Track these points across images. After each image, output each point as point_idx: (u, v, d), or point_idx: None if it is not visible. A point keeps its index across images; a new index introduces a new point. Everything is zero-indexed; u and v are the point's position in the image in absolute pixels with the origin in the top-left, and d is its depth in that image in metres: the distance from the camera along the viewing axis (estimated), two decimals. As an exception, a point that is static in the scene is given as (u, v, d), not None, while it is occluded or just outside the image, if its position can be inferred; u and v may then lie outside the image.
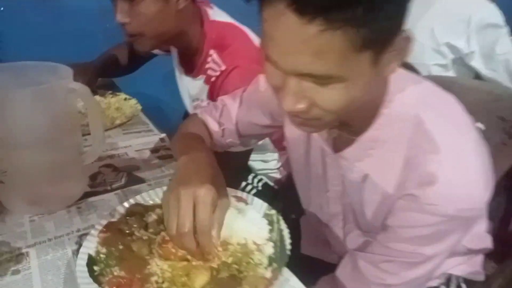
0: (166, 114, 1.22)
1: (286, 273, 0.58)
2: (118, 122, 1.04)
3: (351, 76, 0.47)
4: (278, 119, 0.81)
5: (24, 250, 0.62)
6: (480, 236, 0.81)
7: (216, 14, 1.02)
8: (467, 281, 0.82)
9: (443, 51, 1.53)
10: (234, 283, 0.54)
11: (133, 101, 1.15)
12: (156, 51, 1.24)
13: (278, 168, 1.28)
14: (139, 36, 0.93)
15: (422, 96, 0.59)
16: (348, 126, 0.63)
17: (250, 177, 1.26)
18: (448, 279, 0.82)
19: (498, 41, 1.47)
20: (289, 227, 0.64)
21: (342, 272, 0.71)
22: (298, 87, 0.49)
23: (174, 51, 1.12)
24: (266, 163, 1.27)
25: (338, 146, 0.67)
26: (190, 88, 1.08)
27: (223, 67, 0.95)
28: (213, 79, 0.97)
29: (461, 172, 0.55)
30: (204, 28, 0.99)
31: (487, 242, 0.82)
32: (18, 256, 0.61)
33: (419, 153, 0.57)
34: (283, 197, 1.32)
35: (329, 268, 0.84)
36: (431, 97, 0.61)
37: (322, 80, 0.48)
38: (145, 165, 0.87)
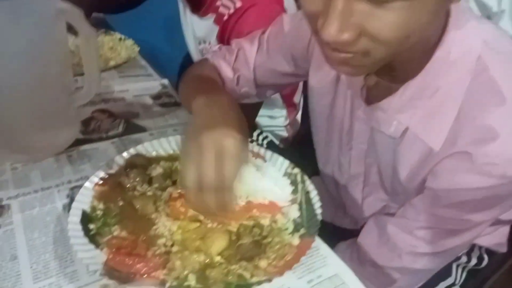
0: (164, 63, 1.10)
1: (316, 240, 0.50)
2: (113, 63, 0.91)
3: None
4: (303, 66, 0.70)
5: (5, 202, 0.52)
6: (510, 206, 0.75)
7: None
8: (488, 251, 0.78)
9: (472, 7, 1.41)
10: (258, 251, 0.46)
11: (130, 42, 1.02)
12: None
13: (285, 126, 1.20)
14: None
15: (487, 37, 0.49)
16: (392, 71, 0.53)
17: (254, 134, 1.18)
18: (471, 249, 0.77)
19: None
20: None
21: (366, 238, 0.64)
22: (347, 8, 0.38)
23: None
24: (273, 120, 1.18)
25: (373, 97, 0.57)
26: (196, 29, 0.95)
27: (239, 4, 0.83)
28: (225, 17, 0.85)
29: None
30: None
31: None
32: (-2, 209, 0.51)
33: (478, 104, 0.48)
34: (289, 158, 1.25)
35: (344, 233, 0.77)
36: (498, 39, 0.51)
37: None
38: (145, 112, 0.76)
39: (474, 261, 0.78)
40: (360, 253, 0.64)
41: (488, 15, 1.42)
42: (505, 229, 0.77)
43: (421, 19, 0.39)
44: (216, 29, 0.89)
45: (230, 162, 0.46)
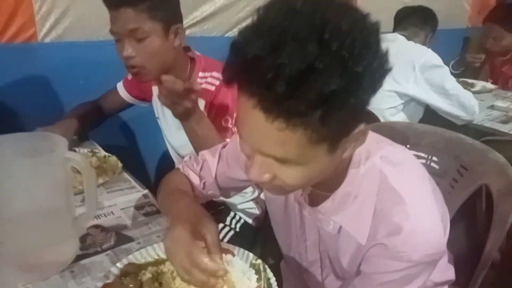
0: (147, 164, 1.27)
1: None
2: (101, 181, 1.07)
3: (308, 161, 0.55)
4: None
5: (21, 319, 0.64)
6: (444, 269, 0.89)
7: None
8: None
9: (393, 96, 1.72)
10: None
11: (114, 159, 1.18)
12: (131, 101, 1.37)
13: (254, 200, 1.34)
14: (141, 69, 1.07)
15: (384, 155, 0.68)
16: (320, 186, 0.70)
17: (228, 219, 1.31)
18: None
19: (444, 79, 1.68)
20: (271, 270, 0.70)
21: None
22: (263, 162, 0.57)
23: (156, 91, 1.24)
24: (243, 196, 1.31)
25: (314, 200, 0.74)
26: None
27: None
28: (211, 92, 1.11)
29: (423, 221, 0.63)
30: (194, 59, 1.17)
31: (451, 274, 0.91)
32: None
33: (386, 205, 0.65)
34: (263, 239, 1.37)
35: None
36: (392, 155, 0.69)
37: (283, 161, 0.55)
38: (132, 223, 0.91)
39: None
40: None
41: (411, 98, 1.73)
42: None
43: (313, 175, 0.58)
44: (201, 103, 1.09)
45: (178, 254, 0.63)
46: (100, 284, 0.67)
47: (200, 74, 1.16)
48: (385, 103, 1.72)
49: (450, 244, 0.91)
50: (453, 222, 0.90)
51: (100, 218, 0.91)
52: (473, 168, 0.99)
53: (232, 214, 1.33)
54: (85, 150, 1.23)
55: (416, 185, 0.68)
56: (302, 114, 0.48)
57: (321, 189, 0.72)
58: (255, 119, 0.51)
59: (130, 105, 1.41)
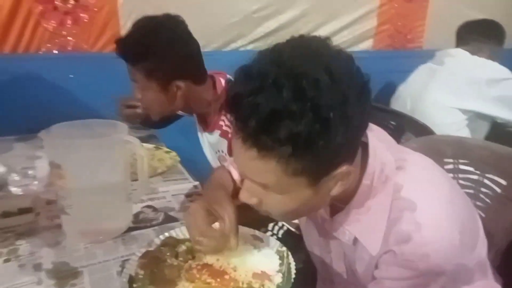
0: (200, 164, 1.39)
1: (290, 298, 0.68)
2: (159, 171, 1.21)
3: (288, 191, 0.59)
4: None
5: (79, 269, 0.76)
6: (484, 288, 0.86)
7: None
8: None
9: (454, 112, 1.65)
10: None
11: (173, 154, 1.33)
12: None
13: None
14: (148, 110, 1.17)
15: (400, 165, 0.68)
16: (336, 198, 0.69)
17: (271, 225, 1.36)
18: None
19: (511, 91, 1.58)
20: (309, 275, 0.74)
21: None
22: (250, 186, 0.63)
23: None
24: None
25: (333, 212, 0.75)
26: (211, 140, 1.26)
27: None
28: (230, 135, 1.14)
29: (433, 231, 0.62)
30: (219, 93, 1.18)
31: (493, 292, 0.86)
32: (75, 273, 0.75)
33: (398, 213, 0.65)
34: (300, 243, 1.39)
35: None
36: (408, 164, 0.69)
37: (265, 187, 0.60)
38: (179, 207, 1.02)
39: None
40: None
41: (474, 114, 1.65)
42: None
43: (294, 206, 0.62)
44: (224, 142, 1.17)
45: (197, 220, 0.71)
46: (143, 250, 0.77)
47: (223, 112, 1.17)
48: (445, 119, 1.66)
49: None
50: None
51: (153, 200, 1.04)
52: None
53: (275, 221, 1.38)
54: (151, 145, 1.39)
55: (430, 195, 0.67)
56: (270, 149, 0.54)
57: (337, 201, 0.72)
58: (237, 147, 0.58)
59: None
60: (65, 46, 1.70)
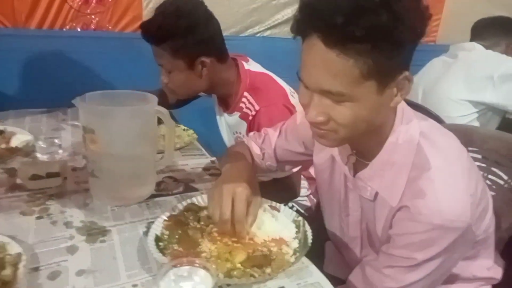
0: (217, 143, 1.44)
1: (306, 261, 0.72)
2: (178, 146, 1.26)
3: (360, 97, 0.64)
4: (310, 148, 0.98)
5: (108, 228, 0.82)
6: (488, 267, 0.90)
7: (251, 65, 1.26)
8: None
9: (466, 105, 1.67)
10: (265, 262, 0.70)
11: (191, 131, 1.38)
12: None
13: (308, 196, 1.43)
14: (173, 92, 1.23)
15: (424, 129, 0.74)
16: (363, 152, 0.79)
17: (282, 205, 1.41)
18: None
19: None
20: (316, 249, 0.78)
21: (354, 277, 0.83)
22: (319, 102, 0.67)
23: (213, 95, 1.37)
24: None
25: (355, 171, 0.82)
26: (229, 122, 1.30)
27: (257, 107, 1.17)
28: (250, 117, 1.19)
29: (446, 191, 0.68)
30: (240, 76, 1.23)
31: (496, 273, 0.91)
32: (104, 231, 0.80)
33: (416, 172, 0.70)
34: (312, 224, 1.45)
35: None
36: (431, 131, 0.75)
37: (338, 97, 0.64)
38: (198, 179, 1.06)
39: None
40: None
41: (486, 107, 1.67)
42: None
43: (363, 113, 0.66)
44: (242, 122, 1.22)
45: (240, 203, 0.73)
46: (168, 213, 0.82)
47: (245, 94, 1.22)
48: (456, 111, 1.69)
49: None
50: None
51: (173, 172, 1.09)
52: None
53: (285, 203, 1.43)
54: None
55: (449, 160, 0.72)
56: (355, 41, 0.59)
57: (362, 157, 0.80)
58: (316, 53, 0.63)
59: None
60: (89, 25, 1.74)
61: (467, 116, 1.71)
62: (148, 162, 0.92)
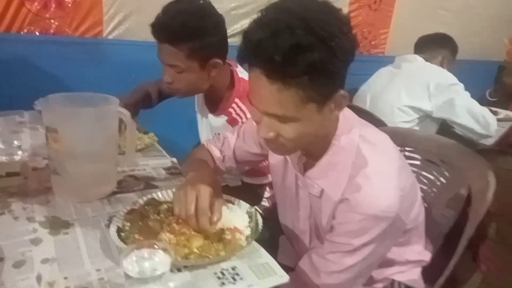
0: (177, 144, 1.50)
1: (257, 246, 0.81)
2: (139, 147, 1.30)
3: (302, 117, 0.74)
4: (266, 148, 1.06)
5: (71, 222, 0.86)
6: (418, 252, 1.03)
7: (244, 74, 1.30)
8: (408, 287, 1.02)
9: (408, 111, 1.85)
10: (220, 246, 0.77)
11: (151, 134, 1.42)
12: None
13: (267, 198, 1.51)
14: (177, 91, 1.24)
15: (363, 133, 0.86)
16: (311, 154, 0.89)
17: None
18: (392, 284, 1.02)
19: (460, 95, 1.80)
20: (271, 243, 0.87)
21: (303, 264, 0.92)
22: (268, 122, 0.76)
23: (199, 95, 1.40)
24: None
25: (306, 171, 0.91)
26: (213, 123, 1.35)
27: (248, 115, 1.22)
28: (239, 123, 1.22)
29: (379, 186, 0.79)
30: (234, 82, 1.27)
31: (425, 256, 1.04)
32: (67, 225, 0.85)
33: (355, 170, 0.81)
34: (268, 222, 1.54)
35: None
36: (370, 134, 0.87)
37: (283, 119, 0.74)
38: (159, 178, 1.12)
39: (396, 293, 1.03)
40: (302, 274, 0.92)
41: (425, 113, 1.85)
42: (417, 270, 1.04)
43: (306, 130, 0.76)
44: (230, 128, 1.23)
45: (203, 199, 0.81)
46: (128, 207, 0.88)
47: (236, 100, 1.25)
48: (399, 117, 1.86)
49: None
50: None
51: (134, 171, 1.14)
52: (461, 170, 1.12)
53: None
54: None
55: (382, 159, 0.84)
56: (294, 77, 0.68)
57: (310, 158, 0.90)
58: (261, 85, 0.72)
59: None
60: (48, 29, 1.75)
61: (409, 122, 1.88)
62: (109, 161, 0.97)
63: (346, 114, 0.86)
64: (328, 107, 0.76)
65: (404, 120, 1.87)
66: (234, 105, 1.25)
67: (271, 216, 1.48)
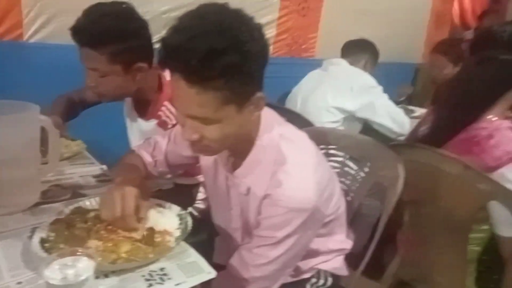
0: (109, 151, 1.46)
1: (186, 246, 0.84)
2: (66, 156, 1.27)
3: (223, 119, 0.78)
4: (197, 151, 1.10)
5: (-9, 236, 0.82)
6: (341, 241, 1.11)
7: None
8: (331, 274, 1.10)
9: (334, 112, 1.98)
10: (149, 249, 0.79)
11: (79, 141, 1.38)
12: None
13: (202, 200, 1.54)
14: (102, 96, 1.21)
15: (283, 133, 0.91)
16: (237, 154, 0.93)
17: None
18: (318, 273, 1.09)
19: (377, 97, 1.97)
20: (207, 244, 0.90)
21: (233, 260, 0.96)
22: (192, 124, 0.80)
23: (128, 100, 1.37)
24: None
25: (235, 169, 0.95)
26: (144, 128, 1.33)
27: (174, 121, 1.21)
28: (169, 126, 1.22)
29: (298, 180, 0.85)
30: (162, 85, 1.27)
31: (347, 245, 1.12)
32: (-15, 238, 0.81)
33: (277, 167, 0.87)
34: (204, 224, 1.57)
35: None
36: (289, 133, 0.93)
37: (205, 120, 0.78)
38: (87, 186, 1.10)
39: (321, 281, 1.10)
40: (233, 270, 0.95)
41: (349, 114, 2.00)
42: (340, 258, 1.12)
43: (228, 131, 0.80)
44: (160, 131, 1.24)
45: (129, 200, 0.82)
46: (53, 218, 0.86)
47: (165, 103, 1.24)
48: (326, 117, 1.99)
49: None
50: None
51: (60, 180, 1.11)
52: (376, 164, 1.23)
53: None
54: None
55: (301, 155, 0.90)
56: (211, 79, 0.72)
57: (237, 158, 0.94)
58: (181, 89, 0.75)
59: None
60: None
61: (335, 122, 2.02)
62: (30, 170, 0.94)
63: (267, 115, 0.92)
64: (247, 108, 0.80)
65: (331, 120, 2.00)
66: (163, 108, 1.26)
67: (207, 217, 1.52)
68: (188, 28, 0.72)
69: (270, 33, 2.64)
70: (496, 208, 1.10)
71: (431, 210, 1.25)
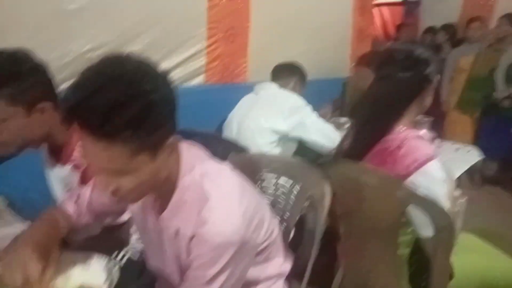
0: (34, 205, 1.39)
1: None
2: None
3: (136, 168, 0.78)
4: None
5: None
6: (280, 264, 1.12)
7: None
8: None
9: (268, 133, 2.05)
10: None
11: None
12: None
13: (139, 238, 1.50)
14: (5, 147, 1.12)
15: (205, 170, 0.92)
16: (161, 197, 0.92)
17: (114, 254, 1.43)
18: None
19: (308, 116, 2.06)
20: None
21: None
22: (105, 176, 0.79)
23: (43, 147, 1.29)
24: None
25: (162, 212, 0.94)
26: (61, 174, 1.26)
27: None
28: (83, 168, 1.17)
29: (222, 216, 0.86)
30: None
31: (286, 268, 1.14)
32: None
33: (202, 207, 0.87)
34: (143, 269, 1.52)
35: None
36: (210, 170, 0.93)
37: (117, 172, 0.77)
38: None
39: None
40: None
41: (283, 134, 2.07)
42: (281, 281, 1.13)
43: (144, 179, 0.80)
44: (75, 174, 1.19)
45: (32, 266, 0.80)
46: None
47: (78, 144, 1.16)
48: (262, 139, 2.04)
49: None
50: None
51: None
52: (305, 183, 1.28)
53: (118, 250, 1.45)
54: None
55: (223, 190, 0.91)
56: (116, 133, 0.72)
57: (162, 199, 0.93)
58: (88, 144, 0.74)
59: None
60: None
61: (271, 143, 2.08)
62: None
63: (187, 154, 0.92)
64: (162, 153, 0.81)
65: (267, 141, 2.05)
66: (76, 150, 1.20)
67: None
68: (88, 84, 0.72)
69: (200, 61, 2.68)
70: (414, 212, 1.19)
71: (360, 220, 1.32)
